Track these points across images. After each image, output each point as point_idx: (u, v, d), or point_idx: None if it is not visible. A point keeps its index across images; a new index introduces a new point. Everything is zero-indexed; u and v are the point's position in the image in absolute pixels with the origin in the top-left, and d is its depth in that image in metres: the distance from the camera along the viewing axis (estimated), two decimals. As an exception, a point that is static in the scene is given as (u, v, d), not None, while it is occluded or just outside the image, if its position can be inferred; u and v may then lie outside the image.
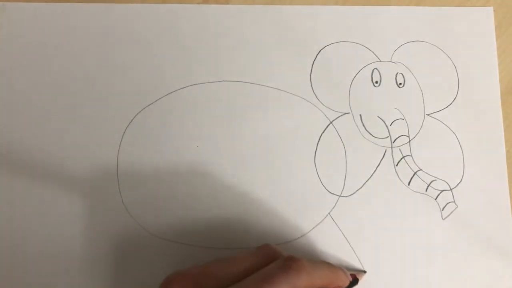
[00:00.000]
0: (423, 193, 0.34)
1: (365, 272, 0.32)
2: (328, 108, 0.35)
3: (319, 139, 0.35)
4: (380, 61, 0.36)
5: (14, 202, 0.32)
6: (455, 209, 0.34)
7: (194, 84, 0.35)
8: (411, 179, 0.34)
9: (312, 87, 0.35)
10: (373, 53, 0.36)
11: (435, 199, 0.34)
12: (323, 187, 0.34)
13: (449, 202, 0.34)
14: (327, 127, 0.35)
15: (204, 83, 0.35)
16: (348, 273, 0.30)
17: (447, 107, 0.36)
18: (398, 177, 0.34)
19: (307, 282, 0.25)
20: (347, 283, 0.29)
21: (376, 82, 0.36)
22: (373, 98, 0.36)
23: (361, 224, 0.33)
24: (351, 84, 0.36)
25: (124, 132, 0.34)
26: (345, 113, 0.35)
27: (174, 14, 0.36)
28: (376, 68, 0.36)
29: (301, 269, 0.25)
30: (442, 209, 0.34)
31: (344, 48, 0.36)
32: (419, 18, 0.37)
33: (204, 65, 0.35)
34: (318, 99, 0.35)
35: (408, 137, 0.35)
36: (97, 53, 0.35)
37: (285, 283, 0.24)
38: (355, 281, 0.31)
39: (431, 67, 0.37)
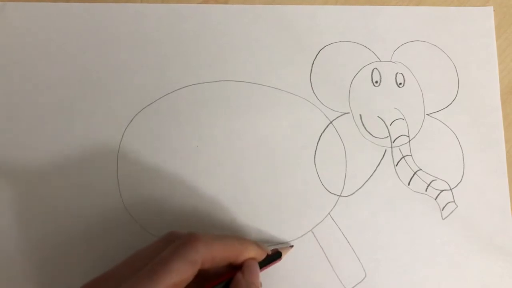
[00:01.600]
0: (423, 193, 0.34)
1: (291, 246, 0.32)
2: (328, 108, 0.35)
3: (319, 139, 0.35)
4: (380, 61, 0.36)
5: (14, 202, 0.32)
6: (455, 209, 0.34)
7: (194, 84, 0.35)
8: (411, 179, 0.34)
9: (312, 87, 0.35)
10: (373, 53, 0.36)
11: (435, 199, 0.34)
12: (323, 187, 0.34)
13: (449, 202, 0.34)
14: (327, 127, 0.35)
15: (204, 83, 0.35)
16: (265, 245, 0.30)
17: (447, 107, 0.36)
18: (398, 177, 0.34)
19: (206, 253, 0.24)
20: (262, 255, 0.28)
21: (376, 82, 0.36)
22: (373, 98, 0.36)
23: (361, 224, 0.33)
24: (351, 84, 0.36)
25: (124, 132, 0.34)
26: (345, 113, 0.35)
27: (174, 14, 0.36)
28: (376, 68, 0.36)
29: (196, 242, 0.24)
30: (442, 209, 0.34)
31: (344, 48, 0.36)
32: (419, 18, 0.37)
33: (204, 65, 0.35)
34: (318, 99, 0.35)
35: (408, 137, 0.35)
36: (97, 53, 0.35)
37: (181, 259, 0.23)
38: (277, 254, 0.30)
39: (431, 67, 0.37)
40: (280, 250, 0.30)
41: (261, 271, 0.28)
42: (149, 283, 0.22)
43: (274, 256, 0.30)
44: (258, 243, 0.29)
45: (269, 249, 0.30)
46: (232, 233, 0.33)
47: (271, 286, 0.32)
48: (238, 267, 0.27)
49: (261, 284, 0.28)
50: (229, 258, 0.26)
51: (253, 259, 0.28)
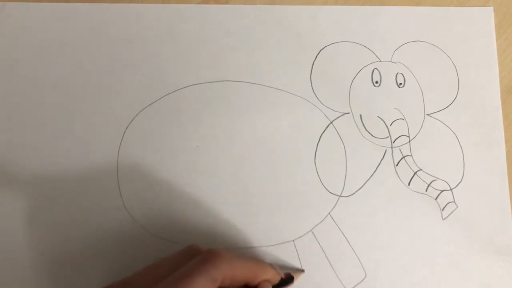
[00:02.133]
0: (423, 193, 0.34)
1: (303, 271, 0.32)
2: (328, 108, 0.35)
3: (319, 139, 0.35)
4: (380, 61, 0.36)
5: (14, 202, 0.32)
6: (455, 209, 0.34)
7: (194, 84, 0.35)
8: (411, 179, 0.34)
9: (312, 87, 0.35)
10: (373, 53, 0.36)
11: (435, 199, 0.34)
12: (323, 187, 0.34)
13: (449, 202, 0.34)
14: (327, 127, 0.35)
15: (204, 83, 0.35)
16: (279, 269, 0.30)
17: (447, 107, 0.36)
18: (398, 177, 0.34)
19: (227, 272, 0.25)
20: (276, 278, 0.29)
21: (376, 82, 0.36)
22: (373, 98, 0.36)
23: (361, 224, 0.33)
24: (351, 84, 0.36)
25: (124, 132, 0.34)
26: (345, 113, 0.35)
27: (174, 14, 0.36)
28: (376, 68, 0.36)
29: (218, 260, 0.24)
30: (442, 209, 0.34)
31: (344, 48, 0.36)
32: (419, 18, 0.37)
33: (204, 65, 0.35)
34: (318, 99, 0.35)
35: (408, 137, 0.35)
36: (97, 53, 0.35)
37: (202, 275, 0.24)
38: (290, 279, 0.31)
39: (431, 67, 0.37)
40: (292, 274, 0.31)
41: None
42: None
43: (287, 280, 0.30)
44: (274, 266, 0.30)
45: (282, 273, 0.30)
46: (235, 238, 0.33)
47: (271, 286, 0.32)
48: None
49: None
50: (248, 278, 0.27)
51: (268, 281, 0.28)
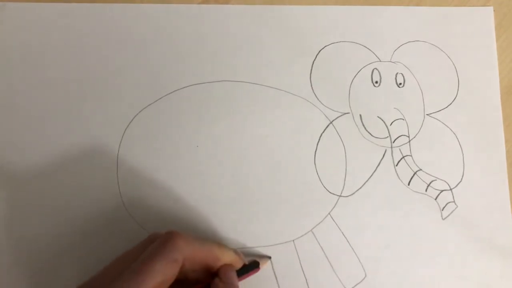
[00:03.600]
0: (423, 193, 0.34)
1: (269, 258, 0.32)
2: (328, 108, 0.35)
3: (319, 139, 0.35)
4: (380, 61, 0.36)
5: (13, 201, 0.32)
6: (455, 209, 0.34)
7: (194, 84, 0.35)
8: (411, 179, 0.34)
9: (312, 87, 0.35)
10: (373, 53, 0.36)
11: (435, 199, 0.34)
12: (323, 187, 0.34)
13: (449, 202, 0.34)
14: (327, 127, 0.35)
15: (204, 83, 0.35)
16: (242, 255, 0.30)
17: (447, 107, 0.36)
18: (398, 177, 0.34)
19: (187, 252, 0.24)
20: (239, 263, 0.29)
21: (376, 82, 0.36)
22: (373, 98, 0.36)
23: (361, 224, 0.33)
24: (351, 84, 0.36)
25: (124, 132, 0.34)
26: (345, 113, 0.35)
27: (174, 14, 0.36)
28: (376, 68, 0.36)
29: (177, 241, 0.24)
30: (442, 209, 0.34)
31: (344, 48, 0.36)
32: (419, 18, 0.37)
33: (204, 65, 0.35)
34: (318, 99, 0.35)
35: (408, 137, 0.35)
36: (97, 53, 0.35)
37: (163, 258, 0.23)
38: (254, 265, 0.30)
39: (431, 67, 0.37)
40: (258, 261, 0.31)
41: (238, 280, 0.28)
42: (133, 285, 0.22)
43: (251, 266, 0.30)
44: (237, 251, 0.29)
45: (245, 259, 0.30)
46: (221, 234, 0.33)
47: (269, 285, 0.32)
48: (215, 274, 0.27)
49: None
50: (208, 260, 0.26)
51: (230, 265, 0.28)
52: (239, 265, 0.29)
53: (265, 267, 0.31)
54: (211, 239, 0.29)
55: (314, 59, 0.36)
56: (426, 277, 0.33)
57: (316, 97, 0.35)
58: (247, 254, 0.32)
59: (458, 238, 0.34)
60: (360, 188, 0.34)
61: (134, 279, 0.22)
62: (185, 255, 0.24)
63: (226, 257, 0.27)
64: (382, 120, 0.35)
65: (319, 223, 0.33)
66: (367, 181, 0.34)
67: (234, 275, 0.27)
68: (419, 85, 0.36)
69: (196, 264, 0.26)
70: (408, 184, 0.34)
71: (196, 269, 0.26)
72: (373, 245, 0.33)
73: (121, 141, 0.33)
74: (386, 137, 0.35)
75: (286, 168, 0.34)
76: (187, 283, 0.27)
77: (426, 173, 0.34)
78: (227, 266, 0.27)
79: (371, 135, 0.35)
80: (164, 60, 0.35)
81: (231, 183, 0.33)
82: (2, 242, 0.31)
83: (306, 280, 0.32)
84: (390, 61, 0.36)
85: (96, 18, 0.35)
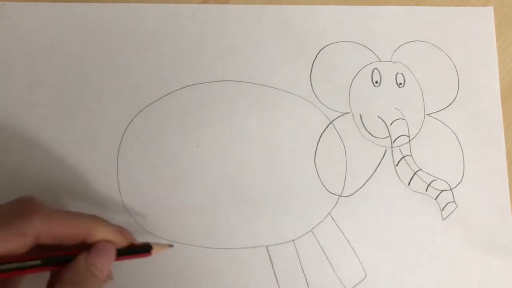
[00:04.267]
0: (423, 193, 0.34)
1: (171, 246, 0.28)
2: (328, 108, 0.35)
3: (319, 139, 0.35)
4: (380, 61, 0.36)
5: (14, 202, 0.32)
6: (455, 209, 0.34)
7: (194, 84, 0.35)
8: (411, 179, 0.34)
9: (312, 87, 0.35)
10: (373, 53, 0.36)
11: (435, 199, 0.34)
12: (323, 187, 0.34)
13: (449, 202, 0.34)
14: (327, 127, 0.35)
15: (204, 83, 0.35)
16: (130, 234, 0.27)
17: (447, 107, 0.36)
18: (398, 177, 0.34)
19: (41, 229, 0.23)
20: (121, 241, 0.26)
21: (376, 82, 0.36)
22: (373, 98, 0.36)
23: (361, 224, 0.33)
24: (351, 84, 0.36)
25: (124, 132, 0.33)
26: (345, 113, 0.35)
27: (174, 14, 0.36)
28: (376, 68, 0.36)
29: (31, 216, 0.23)
30: (442, 209, 0.34)
31: (344, 48, 0.36)
32: (419, 18, 0.37)
33: (204, 65, 0.35)
34: (318, 99, 0.35)
35: (408, 137, 0.35)
36: (97, 53, 0.35)
37: (8, 229, 0.22)
38: (144, 247, 0.27)
39: (431, 67, 0.37)
40: (154, 246, 0.27)
41: (120, 259, 0.26)
42: None
43: (140, 248, 0.27)
44: (122, 229, 0.27)
45: (135, 239, 0.27)
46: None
47: (269, 285, 0.32)
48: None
49: (111, 273, 0.26)
50: (75, 236, 0.24)
51: (105, 242, 0.25)
52: (121, 243, 0.26)
53: (160, 254, 0.28)
54: (88, 214, 0.26)
55: (314, 59, 0.36)
56: (426, 277, 0.33)
57: (316, 97, 0.35)
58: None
59: (458, 238, 0.34)
60: (360, 188, 0.34)
61: None
62: (38, 231, 0.23)
63: (103, 233, 0.25)
64: (382, 120, 0.35)
65: (319, 223, 0.33)
66: (367, 181, 0.34)
67: (105, 253, 0.25)
68: (419, 85, 0.36)
69: (61, 239, 0.24)
70: (408, 184, 0.34)
71: (65, 243, 0.24)
72: (373, 245, 0.33)
73: (121, 141, 0.33)
74: (386, 137, 0.35)
75: (286, 168, 0.34)
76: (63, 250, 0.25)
77: (426, 173, 0.34)
78: (101, 242, 0.25)
79: (371, 135, 0.35)
80: (164, 60, 0.35)
81: (231, 183, 0.33)
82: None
83: (306, 280, 0.32)
84: (390, 61, 0.36)
85: (96, 18, 0.35)
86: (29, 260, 0.23)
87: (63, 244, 0.25)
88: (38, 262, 0.23)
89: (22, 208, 0.24)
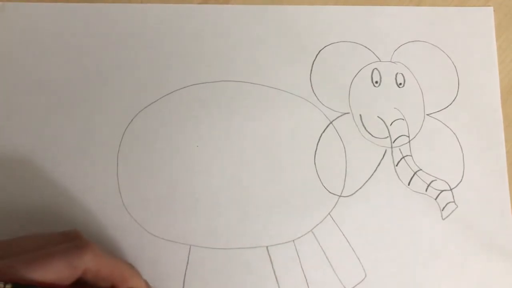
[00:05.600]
0: (423, 193, 0.34)
1: None
2: (328, 108, 0.35)
3: (319, 139, 0.35)
4: (380, 61, 0.36)
5: (13, 201, 0.32)
6: (455, 209, 0.34)
7: (194, 84, 0.35)
8: (411, 179, 0.34)
9: (312, 87, 0.35)
10: (373, 53, 0.36)
11: (435, 199, 0.34)
12: (323, 187, 0.34)
13: (449, 202, 0.34)
14: (327, 127, 0.35)
15: (204, 83, 0.35)
16: (149, 285, 0.29)
17: (447, 107, 0.36)
18: (398, 177, 0.34)
19: (91, 264, 0.25)
20: None
21: (376, 82, 0.36)
22: (373, 98, 0.36)
23: (361, 224, 0.33)
24: (351, 84, 0.36)
25: (124, 132, 0.34)
26: (345, 113, 0.35)
27: (174, 14, 0.36)
28: (376, 68, 0.36)
29: (85, 250, 0.25)
30: (442, 209, 0.34)
31: (344, 48, 0.36)
32: (419, 18, 0.37)
33: (204, 65, 0.35)
34: (318, 99, 0.35)
35: (408, 137, 0.35)
36: (97, 53, 0.35)
37: (63, 259, 0.24)
38: None
39: (431, 67, 0.37)
40: None
41: None
42: (23, 269, 0.22)
43: None
44: (148, 283, 0.29)
45: None
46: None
47: (269, 285, 0.32)
48: None
49: None
50: (113, 279, 0.26)
51: None
52: None
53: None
54: (125, 261, 0.29)
55: (314, 59, 0.36)
56: (426, 277, 0.33)
57: (316, 97, 0.35)
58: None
59: (458, 238, 0.34)
60: (360, 188, 0.34)
61: (27, 263, 0.23)
62: (88, 266, 0.25)
63: (135, 282, 0.27)
64: (382, 120, 0.35)
65: (319, 223, 0.33)
66: (367, 181, 0.34)
67: None
68: (419, 85, 0.36)
69: (101, 278, 0.26)
70: (408, 184, 0.34)
71: (99, 283, 0.26)
72: (373, 245, 0.33)
73: (121, 141, 0.33)
74: (386, 137, 0.35)
75: (286, 168, 0.34)
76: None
77: (426, 173, 0.35)
78: None
79: (371, 135, 0.35)
80: (164, 60, 0.35)
81: (231, 183, 0.33)
82: None
83: (306, 280, 0.32)
84: (390, 61, 0.36)
85: (96, 18, 0.35)
86: None
87: (98, 283, 0.26)
88: None
89: (75, 241, 0.25)
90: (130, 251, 0.32)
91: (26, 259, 0.23)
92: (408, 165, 0.35)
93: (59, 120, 0.33)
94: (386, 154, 0.35)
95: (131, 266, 0.28)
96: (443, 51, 0.37)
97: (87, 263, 0.25)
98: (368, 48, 0.36)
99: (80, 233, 0.27)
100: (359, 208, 0.34)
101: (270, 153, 0.34)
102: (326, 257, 0.33)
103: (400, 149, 0.35)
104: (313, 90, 0.35)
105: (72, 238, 0.26)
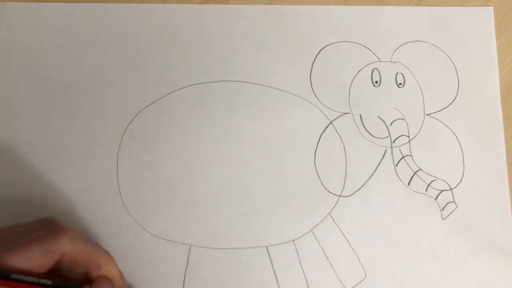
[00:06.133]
0: (423, 193, 0.34)
1: None
2: (328, 108, 0.35)
3: (319, 139, 0.35)
4: (380, 61, 0.36)
5: (13, 201, 0.32)
6: (455, 209, 0.34)
7: (194, 84, 0.35)
8: (411, 179, 0.34)
9: (312, 87, 0.35)
10: (373, 53, 0.36)
11: (435, 199, 0.34)
12: (323, 187, 0.34)
13: (449, 202, 0.34)
14: (327, 127, 0.35)
15: (204, 83, 0.35)
16: (126, 281, 0.29)
17: (447, 107, 0.36)
18: (398, 177, 0.34)
19: (68, 248, 0.25)
20: (119, 281, 0.27)
21: (376, 82, 0.36)
22: (373, 98, 0.36)
23: (361, 224, 0.33)
24: (351, 84, 0.36)
25: (124, 132, 0.34)
26: (345, 113, 0.35)
27: (174, 14, 0.36)
28: (376, 68, 0.36)
29: (62, 235, 0.25)
30: (442, 209, 0.34)
31: (344, 48, 0.36)
32: (419, 18, 0.37)
33: (204, 65, 0.35)
34: (318, 99, 0.35)
35: (408, 137, 0.35)
36: (97, 53, 0.35)
37: (40, 245, 0.24)
38: None
39: (431, 67, 0.37)
40: None
41: None
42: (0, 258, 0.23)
43: None
44: (121, 273, 0.28)
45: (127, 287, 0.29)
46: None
47: (269, 285, 0.32)
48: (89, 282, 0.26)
49: None
50: (89, 264, 0.26)
51: (108, 279, 0.27)
52: (118, 283, 0.28)
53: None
54: (102, 247, 0.28)
55: (314, 59, 0.36)
56: (426, 277, 0.33)
57: (316, 97, 0.35)
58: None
59: (458, 238, 0.34)
60: (360, 188, 0.34)
61: (1, 254, 0.23)
62: (64, 250, 0.25)
63: (109, 269, 0.27)
64: (382, 120, 0.35)
65: (319, 223, 0.33)
66: (367, 181, 0.34)
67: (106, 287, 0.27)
68: (419, 85, 0.36)
69: (76, 264, 0.26)
70: (408, 184, 0.34)
71: (74, 269, 0.26)
72: (373, 245, 0.33)
73: (121, 141, 0.33)
74: (386, 137, 0.35)
75: (286, 168, 0.34)
76: (61, 277, 0.26)
77: (426, 173, 0.34)
78: (104, 278, 0.27)
79: (371, 135, 0.35)
80: (164, 60, 0.35)
81: (231, 183, 0.33)
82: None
83: (306, 280, 0.32)
84: (390, 61, 0.36)
85: (96, 18, 0.35)
86: (43, 279, 0.24)
87: (73, 269, 0.26)
88: (49, 282, 0.24)
89: (51, 227, 0.25)
90: (130, 251, 0.32)
91: (2, 248, 0.23)
92: (408, 165, 0.35)
93: (59, 120, 0.33)
94: (386, 154, 0.35)
95: (107, 253, 0.28)
96: (443, 51, 0.37)
97: (64, 248, 0.25)
98: (368, 48, 0.36)
99: (57, 219, 0.27)
100: (359, 208, 0.34)
101: (270, 153, 0.34)
102: (326, 257, 0.33)
103: (400, 149, 0.35)
104: (313, 90, 0.35)
105: (49, 225, 0.26)
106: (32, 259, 0.24)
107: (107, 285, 0.26)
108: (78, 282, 0.26)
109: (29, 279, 0.23)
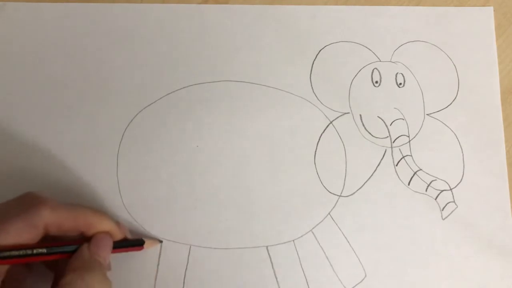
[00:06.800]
0: (423, 193, 0.34)
1: (161, 241, 0.32)
2: (328, 108, 0.35)
3: (319, 139, 0.35)
4: (380, 61, 0.36)
5: (14, 202, 0.32)
6: (455, 209, 0.34)
7: (194, 84, 0.35)
8: (411, 179, 0.34)
9: (312, 87, 0.35)
10: (373, 53, 0.36)
11: (435, 199, 0.34)
12: (323, 187, 0.34)
13: (449, 202, 0.34)
14: (327, 127, 0.35)
15: (204, 83, 0.35)
16: (125, 228, 0.29)
17: (447, 107, 0.36)
18: (398, 177, 0.34)
19: (50, 220, 0.25)
20: (117, 233, 0.28)
21: (376, 82, 0.36)
22: (373, 98, 0.36)
23: (361, 224, 0.33)
24: (351, 84, 0.36)
25: (124, 132, 0.34)
26: (345, 113, 0.35)
27: (174, 14, 0.36)
28: (376, 68, 0.36)
29: (40, 206, 0.25)
30: (442, 209, 0.34)
31: (344, 48, 0.36)
32: (419, 18, 0.37)
33: (204, 65, 0.35)
34: (318, 99, 0.35)
35: (408, 137, 0.35)
36: (97, 53, 0.35)
37: (21, 221, 0.24)
38: (137, 241, 0.30)
39: (431, 67, 0.37)
40: (146, 240, 0.30)
41: (115, 252, 0.28)
42: None
43: (134, 242, 0.30)
44: (119, 223, 0.29)
45: (129, 234, 0.30)
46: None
47: (269, 285, 0.32)
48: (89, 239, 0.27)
49: (110, 263, 0.28)
50: (79, 227, 0.26)
51: (104, 233, 0.27)
52: (117, 235, 0.28)
53: (152, 249, 0.31)
54: (89, 206, 0.29)
55: (314, 59, 0.36)
56: (426, 277, 0.33)
57: (316, 97, 0.35)
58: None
59: (458, 238, 0.34)
60: (360, 188, 0.34)
61: None
62: (47, 221, 0.25)
63: (102, 225, 0.27)
64: (382, 120, 0.35)
65: (319, 223, 0.33)
66: (367, 181, 0.34)
67: (104, 243, 0.27)
68: (419, 85, 0.36)
69: (66, 230, 0.26)
70: (408, 184, 0.34)
71: (66, 234, 0.26)
72: (373, 245, 0.33)
73: (121, 141, 0.33)
74: (386, 137, 0.35)
75: (286, 168, 0.34)
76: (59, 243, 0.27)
77: (426, 173, 0.34)
78: (100, 233, 0.27)
79: (371, 135, 0.35)
80: (164, 60, 0.35)
81: (231, 183, 0.33)
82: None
83: (306, 280, 0.32)
84: (390, 61, 0.36)
85: (96, 18, 0.35)
86: (36, 248, 0.25)
87: (67, 235, 0.26)
88: (44, 250, 0.25)
89: (30, 201, 0.25)
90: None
91: None
92: (408, 165, 0.35)
93: (59, 120, 0.33)
94: (386, 154, 0.35)
95: (96, 211, 0.28)
96: (443, 51, 0.37)
97: (46, 219, 0.24)
98: (368, 48, 0.36)
99: (35, 193, 0.26)
100: (359, 208, 0.34)
101: (270, 153, 0.34)
102: (326, 257, 0.33)
103: (400, 149, 0.35)
104: (313, 90, 0.35)
105: (27, 200, 0.26)
106: (16, 235, 0.24)
107: (104, 239, 0.27)
108: (77, 243, 0.26)
109: (21, 252, 0.24)
